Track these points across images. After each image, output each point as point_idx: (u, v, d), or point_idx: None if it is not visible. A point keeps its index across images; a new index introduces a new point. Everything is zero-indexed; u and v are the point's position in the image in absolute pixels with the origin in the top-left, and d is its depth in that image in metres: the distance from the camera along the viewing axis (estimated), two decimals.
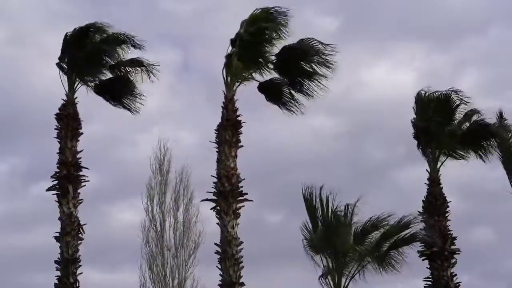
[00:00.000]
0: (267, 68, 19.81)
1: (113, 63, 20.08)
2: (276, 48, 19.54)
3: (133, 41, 19.55)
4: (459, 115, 21.18)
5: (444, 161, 20.91)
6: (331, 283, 18.03)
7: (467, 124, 21.08)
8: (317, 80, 19.53)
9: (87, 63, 19.75)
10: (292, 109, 20.09)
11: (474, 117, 20.98)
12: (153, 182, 30.78)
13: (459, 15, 42.51)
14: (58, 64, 19.69)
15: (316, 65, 19.45)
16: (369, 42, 44.09)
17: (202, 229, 29.93)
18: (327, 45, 19.10)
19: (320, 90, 19.64)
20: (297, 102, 20.02)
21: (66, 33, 19.63)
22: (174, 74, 43.31)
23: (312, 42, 19.27)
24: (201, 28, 40.36)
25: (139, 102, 20.51)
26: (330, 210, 18.45)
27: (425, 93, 21.00)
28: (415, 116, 21.01)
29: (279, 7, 19.09)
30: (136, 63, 19.93)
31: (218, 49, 19.65)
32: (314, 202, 18.52)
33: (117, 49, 19.72)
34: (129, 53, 19.86)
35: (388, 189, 37.11)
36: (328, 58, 19.12)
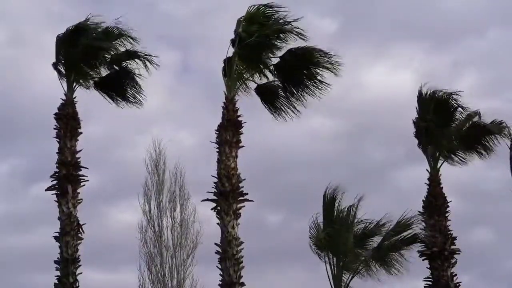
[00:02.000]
0: (267, 70, 19.81)
1: (109, 59, 19.99)
2: (277, 48, 19.56)
3: (128, 33, 19.45)
4: (459, 116, 21.13)
5: (444, 161, 20.90)
6: (332, 282, 18.06)
7: (468, 125, 21.03)
8: (318, 86, 19.57)
9: (84, 61, 19.69)
10: (284, 115, 20.13)
11: (475, 119, 20.94)
12: (149, 182, 30.84)
13: (458, 16, 42.64)
14: (54, 65, 19.65)
15: (319, 71, 19.46)
16: (368, 43, 44.26)
17: (200, 228, 30.00)
18: (330, 55, 19.09)
19: (319, 94, 19.69)
20: (290, 109, 20.04)
21: (58, 35, 19.54)
22: (174, 75, 43.40)
23: (316, 49, 19.22)
24: (201, 29, 40.45)
25: (141, 95, 20.48)
26: (337, 211, 18.54)
27: (426, 92, 20.94)
28: (417, 116, 20.97)
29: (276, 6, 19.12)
30: (133, 54, 19.84)
31: (218, 50, 19.69)
32: (335, 203, 18.55)
33: (113, 43, 19.59)
34: (125, 47, 19.75)
35: (387, 189, 37.24)
36: (333, 64, 19.10)
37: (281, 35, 19.26)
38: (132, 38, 19.55)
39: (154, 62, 19.70)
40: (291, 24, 18.99)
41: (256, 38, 18.93)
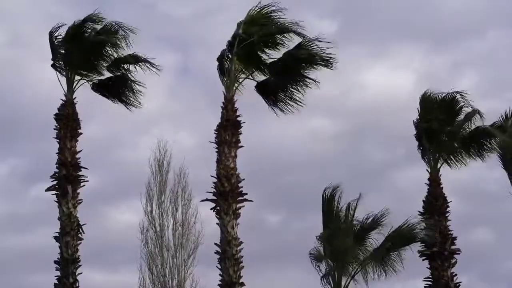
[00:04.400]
0: (265, 70, 19.83)
1: (110, 63, 20.01)
2: (276, 50, 19.61)
3: (125, 31, 19.38)
4: (462, 115, 21.18)
5: (444, 161, 20.92)
6: (332, 282, 18.08)
7: (467, 124, 21.06)
8: (315, 82, 19.65)
9: (87, 59, 19.68)
10: (285, 110, 20.13)
11: (474, 118, 20.96)
12: (152, 182, 30.88)
13: (458, 16, 42.64)
14: (53, 65, 19.67)
15: (316, 67, 19.50)
16: (367, 44, 44.21)
17: (201, 229, 30.02)
18: (326, 42, 19.12)
19: (316, 89, 19.77)
20: (291, 103, 20.04)
21: (54, 34, 19.49)
22: (173, 76, 43.42)
23: (311, 45, 19.23)
24: (201, 29, 40.44)
25: (139, 98, 20.47)
26: (336, 211, 18.59)
27: (430, 94, 20.98)
28: (418, 117, 20.99)
29: (276, 7, 19.16)
30: (134, 58, 19.85)
31: (218, 51, 19.68)
32: (334, 204, 18.59)
33: (112, 41, 19.56)
34: (124, 47, 19.73)
35: (387, 190, 37.20)
36: (328, 56, 19.11)
37: (279, 36, 19.31)
38: (131, 38, 19.59)
39: (156, 67, 19.79)
40: (291, 23, 19.05)
41: (256, 37, 18.98)
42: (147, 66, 19.81)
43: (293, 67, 19.51)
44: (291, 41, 19.37)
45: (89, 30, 19.48)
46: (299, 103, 19.84)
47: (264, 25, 19.22)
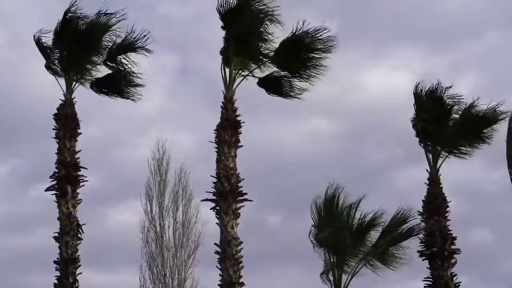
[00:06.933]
0: (265, 61, 19.80)
1: (104, 58, 19.95)
2: (271, 40, 19.59)
3: (118, 21, 19.41)
4: (454, 112, 21.14)
5: (444, 159, 20.92)
6: (332, 281, 18.11)
7: (464, 118, 21.03)
8: (317, 64, 19.62)
9: (80, 57, 19.60)
10: (293, 96, 20.19)
11: (472, 111, 20.94)
12: (151, 182, 30.88)
13: (456, 18, 42.64)
14: (47, 67, 19.67)
15: (315, 51, 19.55)
16: (366, 45, 44.21)
17: (201, 229, 30.03)
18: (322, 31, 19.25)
19: (320, 75, 19.77)
20: (297, 89, 20.09)
21: (38, 36, 19.44)
22: (173, 76, 43.44)
23: (308, 31, 19.29)
24: (200, 30, 40.41)
25: (139, 91, 20.48)
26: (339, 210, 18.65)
27: (421, 91, 20.92)
28: (414, 115, 20.98)
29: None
30: (128, 47, 19.78)
31: (217, 51, 19.70)
32: (337, 203, 18.66)
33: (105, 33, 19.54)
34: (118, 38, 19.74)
35: (387, 190, 37.22)
36: (325, 39, 19.21)
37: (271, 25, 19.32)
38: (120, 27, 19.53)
39: (149, 50, 19.71)
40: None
41: (245, 29, 19.00)
42: (140, 52, 19.77)
43: (292, 54, 19.49)
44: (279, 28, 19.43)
45: (81, 24, 19.34)
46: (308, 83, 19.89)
47: (251, 16, 19.16)
